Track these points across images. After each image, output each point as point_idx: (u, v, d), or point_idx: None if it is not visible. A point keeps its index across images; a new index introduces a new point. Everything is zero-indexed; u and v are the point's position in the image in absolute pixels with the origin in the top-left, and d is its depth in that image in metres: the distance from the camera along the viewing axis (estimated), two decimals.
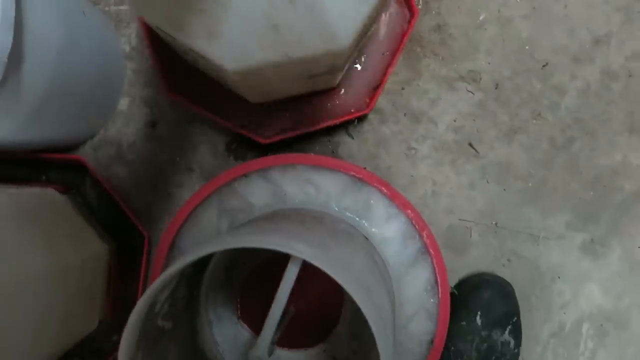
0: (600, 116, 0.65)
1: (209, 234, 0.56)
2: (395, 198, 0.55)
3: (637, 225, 0.65)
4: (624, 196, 0.65)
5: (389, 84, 0.64)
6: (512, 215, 0.65)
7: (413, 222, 0.55)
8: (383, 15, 0.62)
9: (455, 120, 0.65)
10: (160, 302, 0.41)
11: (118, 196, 0.60)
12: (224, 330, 0.57)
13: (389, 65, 0.60)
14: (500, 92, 0.64)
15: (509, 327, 0.61)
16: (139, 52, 0.65)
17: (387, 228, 0.56)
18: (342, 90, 0.62)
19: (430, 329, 0.56)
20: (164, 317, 0.43)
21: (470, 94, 0.64)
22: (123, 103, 0.64)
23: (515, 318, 0.62)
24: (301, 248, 0.35)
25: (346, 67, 0.59)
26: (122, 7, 0.65)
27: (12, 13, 0.40)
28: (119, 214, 0.61)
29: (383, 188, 0.55)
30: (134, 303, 0.59)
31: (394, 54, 0.61)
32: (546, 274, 0.66)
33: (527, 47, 0.64)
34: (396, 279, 0.56)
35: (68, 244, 0.53)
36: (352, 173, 0.55)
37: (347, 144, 0.65)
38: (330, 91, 0.62)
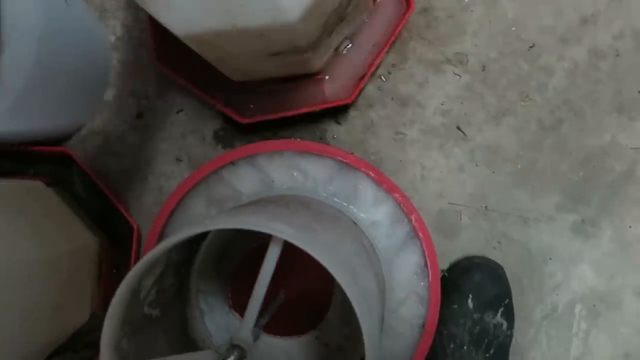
0: (588, 96, 0.65)
1: None
2: (383, 182, 0.55)
3: (628, 205, 0.65)
4: (613, 176, 0.65)
5: (376, 68, 0.64)
6: (502, 197, 0.65)
7: (401, 205, 0.55)
8: (378, 3, 0.62)
9: (442, 104, 0.64)
10: (146, 288, 0.41)
11: (106, 187, 0.60)
12: (215, 319, 0.58)
13: (377, 56, 0.60)
14: (487, 74, 0.64)
15: (501, 309, 0.62)
16: (124, 42, 0.64)
17: (375, 212, 0.56)
18: (327, 77, 0.62)
19: (422, 313, 0.56)
20: (150, 305, 0.43)
21: (457, 76, 0.64)
22: (109, 94, 0.64)
23: (507, 300, 0.62)
24: (281, 228, 0.34)
25: (326, 53, 0.58)
26: None
27: None
28: (108, 206, 0.61)
29: (370, 172, 0.55)
30: None
31: (383, 46, 0.60)
32: (537, 256, 0.66)
33: (513, 29, 0.64)
34: (386, 263, 0.56)
35: (56, 236, 0.53)
36: (339, 158, 0.55)
37: (334, 130, 0.65)
38: (314, 77, 0.62)
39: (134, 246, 0.61)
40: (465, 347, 0.60)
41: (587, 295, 0.66)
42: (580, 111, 0.65)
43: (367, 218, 0.56)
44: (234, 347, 0.36)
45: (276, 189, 0.56)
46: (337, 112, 0.64)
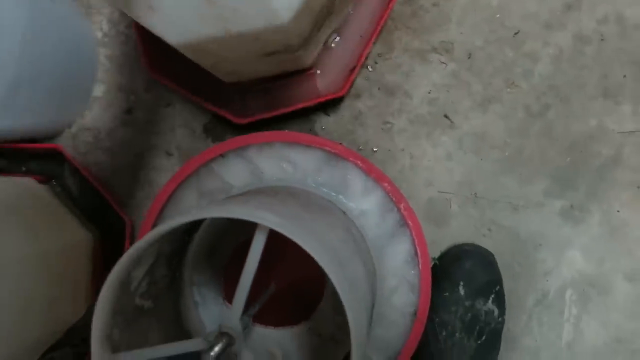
0: (574, 82, 0.65)
1: None
2: (372, 172, 0.55)
3: (615, 190, 0.66)
4: (601, 161, 0.66)
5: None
6: (491, 185, 0.66)
7: (390, 195, 0.56)
8: None
9: (429, 92, 0.65)
10: (137, 279, 0.42)
11: (98, 183, 0.61)
12: (209, 311, 0.58)
13: (365, 47, 0.61)
14: (473, 62, 0.65)
15: (492, 295, 0.62)
16: (111, 38, 0.65)
17: (364, 202, 0.56)
18: (318, 71, 0.63)
19: (413, 301, 0.57)
20: (142, 296, 0.44)
21: (443, 64, 0.65)
22: (98, 90, 0.65)
23: (498, 287, 0.63)
24: (267, 216, 0.35)
25: (316, 48, 0.59)
26: None
27: None
28: (100, 201, 0.62)
29: (359, 162, 0.55)
30: None
31: (370, 37, 0.61)
32: (527, 242, 0.66)
33: (497, 16, 0.64)
34: (377, 252, 0.56)
35: (49, 232, 0.54)
36: (328, 148, 0.55)
37: (323, 121, 0.65)
38: (305, 72, 0.62)
39: (127, 241, 0.61)
40: (457, 335, 0.60)
41: (578, 280, 0.67)
42: (567, 97, 0.65)
43: (356, 207, 0.56)
44: (222, 334, 0.37)
45: (266, 181, 0.56)
46: (326, 104, 0.65)
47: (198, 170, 0.56)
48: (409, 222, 0.56)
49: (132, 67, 0.64)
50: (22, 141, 0.60)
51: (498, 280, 0.63)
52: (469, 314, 0.61)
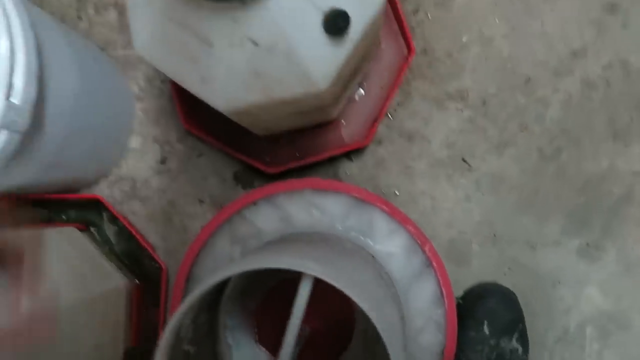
0: (584, 125, 0.69)
1: (223, 262, 0.59)
2: (396, 214, 0.58)
3: (629, 227, 0.68)
4: (613, 200, 0.68)
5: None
6: (509, 225, 0.68)
7: (414, 237, 0.58)
8: (382, 49, 0.67)
9: (447, 137, 0.68)
10: (185, 327, 0.44)
11: (135, 231, 0.64)
12: (243, 353, 0.59)
13: (386, 98, 0.64)
14: (487, 108, 0.68)
15: (516, 334, 0.63)
16: (147, 93, 0.69)
17: (390, 244, 0.58)
18: (343, 122, 0.67)
19: (440, 340, 0.58)
20: (189, 342, 0.46)
21: (460, 111, 0.68)
22: (134, 141, 0.68)
23: (521, 325, 0.64)
24: (312, 266, 0.37)
25: (342, 103, 0.63)
26: (129, 51, 0.69)
27: (35, 67, 0.44)
28: (137, 248, 0.65)
29: (383, 206, 0.58)
30: (156, 331, 0.62)
31: (391, 88, 0.65)
32: (546, 280, 0.68)
33: (509, 65, 0.68)
34: (403, 293, 0.58)
35: (92, 279, 0.56)
36: (354, 194, 0.58)
37: (347, 166, 0.69)
38: (332, 123, 0.67)
39: (163, 285, 0.64)
40: None
41: (597, 316, 0.68)
42: (578, 139, 0.68)
43: (383, 249, 0.58)
44: None
45: (296, 226, 0.59)
46: (350, 150, 0.68)
47: (230, 217, 0.59)
48: (434, 263, 0.58)
49: (167, 119, 0.68)
50: (63, 191, 0.63)
51: (520, 318, 0.64)
52: (495, 353, 0.62)
